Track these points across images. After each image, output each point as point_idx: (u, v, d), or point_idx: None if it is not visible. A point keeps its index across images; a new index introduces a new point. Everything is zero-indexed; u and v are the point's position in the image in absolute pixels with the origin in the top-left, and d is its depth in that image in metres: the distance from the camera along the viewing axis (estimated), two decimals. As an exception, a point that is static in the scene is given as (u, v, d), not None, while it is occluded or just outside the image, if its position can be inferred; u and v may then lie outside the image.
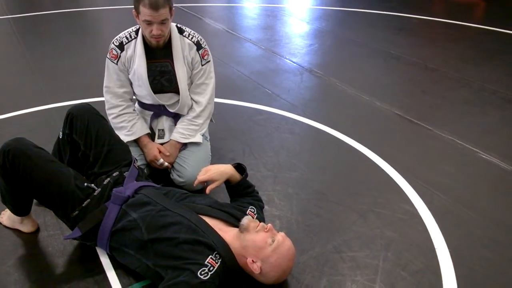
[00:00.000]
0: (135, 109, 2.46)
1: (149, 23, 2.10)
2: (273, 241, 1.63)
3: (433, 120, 3.21)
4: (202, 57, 2.34)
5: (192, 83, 2.40)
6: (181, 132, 2.37)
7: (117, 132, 2.32)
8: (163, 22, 2.12)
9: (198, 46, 2.33)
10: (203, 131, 2.43)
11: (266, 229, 1.67)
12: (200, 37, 2.35)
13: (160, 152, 2.33)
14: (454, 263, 1.92)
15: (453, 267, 1.90)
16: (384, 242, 2.03)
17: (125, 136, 2.31)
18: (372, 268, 1.87)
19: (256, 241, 1.63)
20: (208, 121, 2.49)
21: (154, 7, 2.04)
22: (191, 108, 2.43)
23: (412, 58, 4.59)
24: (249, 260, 1.63)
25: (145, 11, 2.07)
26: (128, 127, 2.33)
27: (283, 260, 1.63)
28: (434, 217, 2.19)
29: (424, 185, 2.44)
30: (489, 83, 3.92)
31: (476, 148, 2.84)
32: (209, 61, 2.38)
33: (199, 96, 2.41)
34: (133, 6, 2.15)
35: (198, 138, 2.39)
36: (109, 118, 2.36)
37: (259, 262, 1.62)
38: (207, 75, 2.39)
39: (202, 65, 2.35)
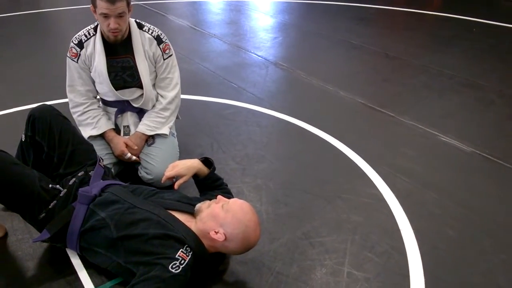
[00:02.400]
0: (100, 106, 2.44)
1: (106, 16, 2.10)
2: (224, 205, 1.68)
3: (395, 106, 3.31)
4: (163, 51, 2.34)
5: (156, 78, 2.40)
6: (147, 124, 2.38)
7: (82, 129, 2.32)
8: (121, 16, 2.12)
9: (159, 40, 2.33)
10: (169, 125, 2.44)
11: (216, 201, 1.72)
12: (160, 31, 2.36)
13: (127, 146, 2.33)
14: (418, 242, 2.00)
15: (418, 246, 1.98)
16: (351, 226, 2.10)
17: (91, 131, 2.31)
18: (340, 252, 1.94)
19: (210, 212, 1.68)
20: (175, 115, 2.49)
21: (111, 0, 2.04)
22: (157, 101, 2.43)
23: (373, 47, 4.69)
24: (211, 233, 1.64)
25: (101, 4, 2.06)
26: (93, 123, 2.32)
27: (240, 214, 1.65)
28: (398, 199, 2.28)
29: (388, 170, 2.52)
30: (447, 68, 4.06)
31: (436, 132, 2.94)
32: (171, 55, 2.39)
33: (164, 90, 2.42)
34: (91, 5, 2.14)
35: (164, 131, 2.40)
36: (74, 116, 2.34)
37: (220, 229, 1.64)
38: (170, 69, 2.40)
39: (164, 59, 2.36)
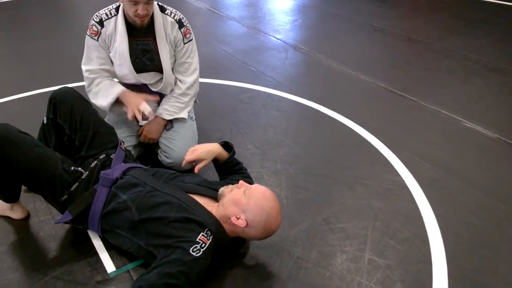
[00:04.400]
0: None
1: (135, 3, 2.08)
2: (246, 191, 1.67)
3: (418, 91, 3.24)
4: (184, 35, 2.32)
5: (175, 62, 2.38)
6: (166, 109, 2.37)
7: (95, 102, 2.28)
8: (149, 2, 2.11)
9: (180, 24, 2.30)
10: (188, 109, 2.43)
11: (238, 186, 1.71)
12: (181, 15, 2.33)
13: (143, 133, 2.31)
14: (441, 230, 1.96)
15: (440, 234, 1.94)
16: (372, 212, 2.07)
17: (102, 100, 2.27)
18: (361, 238, 1.91)
19: (232, 198, 1.67)
20: (193, 99, 2.48)
21: None
22: (176, 86, 2.42)
23: (396, 30, 4.59)
24: (233, 218, 1.64)
25: None
26: (103, 88, 2.27)
27: (262, 201, 1.64)
28: (421, 186, 2.23)
29: (410, 156, 2.47)
30: (472, 52, 3.95)
31: (460, 117, 2.87)
32: (191, 39, 2.37)
33: (183, 75, 2.40)
34: None
35: (182, 115, 2.39)
36: (89, 94, 2.32)
37: (242, 215, 1.63)
38: (189, 53, 2.38)
39: (185, 44, 2.34)
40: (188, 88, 2.40)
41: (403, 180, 2.28)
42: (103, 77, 2.31)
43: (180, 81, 2.41)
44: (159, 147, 2.36)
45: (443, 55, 3.93)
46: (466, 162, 2.45)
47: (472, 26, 4.70)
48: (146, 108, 2.19)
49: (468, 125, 2.80)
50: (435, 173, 2.34)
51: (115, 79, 2.42)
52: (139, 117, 2.20)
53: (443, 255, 1.83)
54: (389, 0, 5.84)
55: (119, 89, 2.27)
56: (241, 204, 1.64)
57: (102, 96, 2.29)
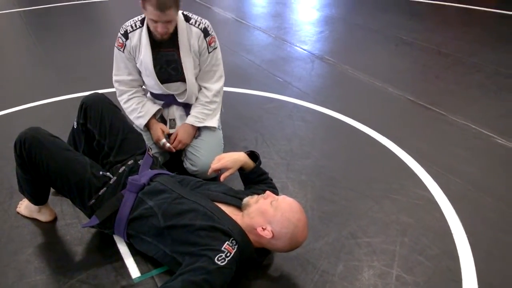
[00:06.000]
0: (144, 94, 2.45)
1: (155, 21, 2.09)
2: (273, 202, 1.65)
3: (447, 105, 3.17)
4: (209, 44, 2.32)
5: (200, 71, 2.39)
6: (195, 116, 2.38)
7: (130, 117, 2.35)
8: (169, 21, 2.10)
9: (205, 33, 2.30)
10: (217, 117, 2.43)
11: (265, 197, 1.69)
12: (207, 23, 2.32)
13: (176, 138, 2.34)
14: (472, 248, 1.90)
15: (471, 251, 1.88)
16: (400, 227, 2.02)
17: (136, 120, 2.36)
18: (389, 254, 1.87)
19: (259, 208, 1.65)
20: (220, 107, 2.48)
21: (161, 8, 2.01)
22: (200, 93, 2.42)
23: (425, 43, 4.53)
24: (259, 229, 1.62)
25: (151, 10, 2.03)
26: (138, 108, 2.35)
27: (289, 213, 1.62)
28: (451, 202, 2.17)
29: (439, 171, 2.42)
30: (504, 67, 3.86)
31: (491, 133, 2.80)
32: (216, 47, 2.37)
33: (209, 82, 2.41)
34: None
35: (213, 123, 2.40)
36: (121, 104, 2.38)
37: (268, 226, 1.61)
38: (214, 61, 2.38)
39: (209, 52, 2.34)
40: (215, 95, 2.41)
41: (432, 195, 2.23)
42: (132, 93, 2.37)
43: (205, 88, 2.41)
44: (185, 155, 2.37)
45: (473, 69, 3.85)
46: (497, 178, 2.38)
47: (504, 40, 4.60)
48: (164, 143, 2.32)
49: (499, 141, 2.72)
50: (465, 188, 2.28)
51: (148, 94, 2.47)
52: (162, 148, 2.34)
53: (474, 274, 1.77)
54: (419, 13, 5.78)
55: (150, 113, 2.36)
56: (268, 215, 1.62)
57: (134, 114, 2.37)
